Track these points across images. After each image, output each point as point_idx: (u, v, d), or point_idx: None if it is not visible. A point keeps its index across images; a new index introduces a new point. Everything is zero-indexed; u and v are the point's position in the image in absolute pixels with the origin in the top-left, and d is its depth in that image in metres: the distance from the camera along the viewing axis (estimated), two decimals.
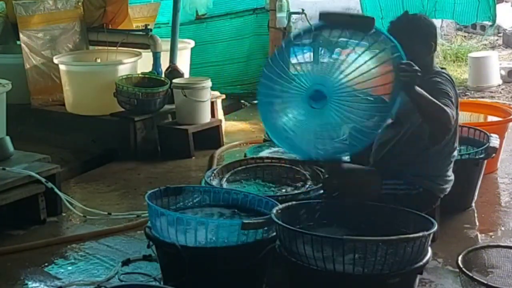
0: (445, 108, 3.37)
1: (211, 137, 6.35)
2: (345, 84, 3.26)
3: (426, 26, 3.81)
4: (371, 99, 3.28)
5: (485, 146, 4.62)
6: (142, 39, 6.71)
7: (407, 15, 3.86)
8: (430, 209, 3.90)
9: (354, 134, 3.35)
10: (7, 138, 4.97)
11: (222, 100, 7.00)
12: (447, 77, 3.73)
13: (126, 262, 4.03)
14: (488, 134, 4.75)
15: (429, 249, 3.25)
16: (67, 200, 4.80)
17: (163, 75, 6.57)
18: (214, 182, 4.14)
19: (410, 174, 3.75)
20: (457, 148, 3.92)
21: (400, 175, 3.75)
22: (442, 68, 3.92)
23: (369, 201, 3.68)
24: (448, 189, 3.90)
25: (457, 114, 3.70)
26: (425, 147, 3.69)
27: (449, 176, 3.88)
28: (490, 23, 8.73)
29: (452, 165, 3.89)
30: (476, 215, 4.73)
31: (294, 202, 3.62)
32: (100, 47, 7.02)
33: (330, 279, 3.13)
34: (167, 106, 6.37)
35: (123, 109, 6.25)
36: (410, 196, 3.74)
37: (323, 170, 4.05)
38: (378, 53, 3.31)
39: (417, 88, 3.28)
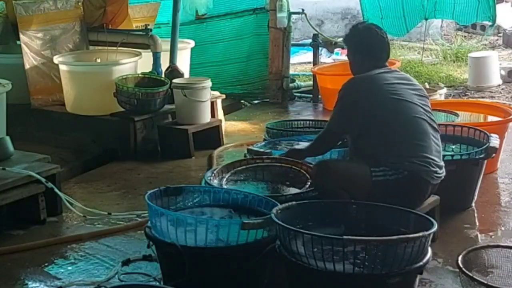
0: (319, 136, 4.20)
1: (211, 137, 6.35)
2: None
3: (360, 39, 4.16)
4: None
5: (485, 146, 4.62)
6: (142, 39, 6.71)
7: (355, 26, 4.28)
8: (424, 196, 3.97)
9: None
10: (7, 138, 4.97)
11: (222, 100, 7.00)
12: (359, 83, 4.04)
13: (126, 262, 4.03)
14: (488, 134, 4.75)
15: (429, 249, 3.25)
16: (67, 200, 4.80)
17: (163, 75, 6.57)
18: (214, 182, 4.14)
19: (390, 159, 3.83)
20: (428, 130, 3.96)
21: (383, 162, 3.83)
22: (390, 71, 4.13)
23: (364, 192, 3.75)
24: (438, 175, 3.93)
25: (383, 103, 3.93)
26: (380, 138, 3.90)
27: (433, 160, 3.91)
28: (490, 23, 8.76)
29: (435, 149, 3.94)
30: (476, 215, 4.73)
31: (294, 202, 3.61)
32: (100, 47, 7.02)
33: (330, 279, 3.13)
34: (167, 106, 6.37)
35: (123, 109, 6.25)
36: (400, 180, 3.81)
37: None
38: None
39: (300, 153, 4.31)
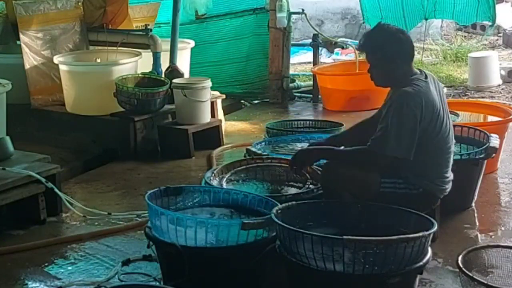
0: (366, 150, 3.69)
1: (211, 137, 6.34)
2: None
3: (385, 43, 3.75)
4: None
5: (485, 146, 4.61)
6: (142, 39, 6.71)
7: (377, 27, 3.89)
8: (430, 210, 3.91)
9: None
10: (7, 138, 4.97)
11: (222, 100, 7.00)
12: (411, 93, 3.66)
13: (126, 262, 4.03)
14: (488, 134, 4.75)
15: (429, 249, 3.25)
16: (67, 200, 4.80)
17: (163, 75, 6.57)
18: (214, 182, 4.14)
19: (410, 174, 3.75)
20: (452, 147, 3.91)
21: (400, 174, 3.75)
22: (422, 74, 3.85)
23: (368, 199, 3.69)
24: (448, 190, 3.92)
25: (442, 117, 3.74)
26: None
27: (448, 177, 3.89)
28: (490, 23, 8.76)
29: (450, 165, 3.91)
30: (476, 215, 4.73)
31: (294, 202, 3.62)
32: (100, 47, 7.02)
33: (330, 279, 3.13)
34: (167, 106, 6.37)
35: (123, 109, 6.25)
36: (410, 196, 3.75)
37: (320, 169, 4.05)
38: None
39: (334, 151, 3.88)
